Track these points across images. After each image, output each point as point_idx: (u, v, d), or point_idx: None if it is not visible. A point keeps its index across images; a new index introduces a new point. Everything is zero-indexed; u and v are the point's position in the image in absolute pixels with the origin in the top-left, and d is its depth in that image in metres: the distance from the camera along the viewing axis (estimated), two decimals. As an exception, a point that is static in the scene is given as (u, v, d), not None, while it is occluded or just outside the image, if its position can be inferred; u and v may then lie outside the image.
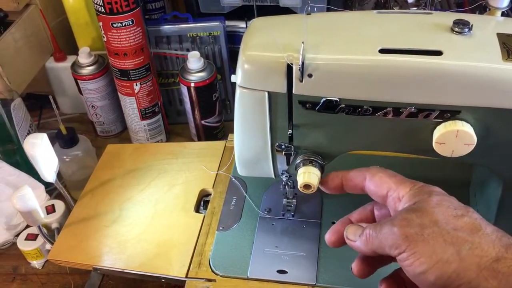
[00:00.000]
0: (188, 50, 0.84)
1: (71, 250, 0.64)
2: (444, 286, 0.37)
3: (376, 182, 0.45)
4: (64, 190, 0.68)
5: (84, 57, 0.83)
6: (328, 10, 0.85)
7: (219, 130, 0.87)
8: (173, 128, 0.93)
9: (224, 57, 0.86)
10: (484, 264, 0.36)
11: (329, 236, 0.47)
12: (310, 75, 0.46)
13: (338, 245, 0.47)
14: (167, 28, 0.83)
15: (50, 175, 0.63)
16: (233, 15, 0.88)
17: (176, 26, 0.83)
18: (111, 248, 0.63)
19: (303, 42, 0.45)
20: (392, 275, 0.45)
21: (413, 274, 0.38)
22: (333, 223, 0.64)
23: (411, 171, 0.68)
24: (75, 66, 0.85)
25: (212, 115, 0.85)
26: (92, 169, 0.75)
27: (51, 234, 0.70)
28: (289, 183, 0.62)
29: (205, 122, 0.85)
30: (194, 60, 0.79)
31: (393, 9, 0.91)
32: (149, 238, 0.64)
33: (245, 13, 0.86)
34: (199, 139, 0.87)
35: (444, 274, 0.36)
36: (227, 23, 0.85)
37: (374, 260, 0.45)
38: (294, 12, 0.84)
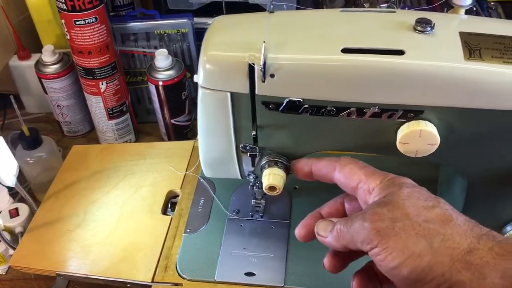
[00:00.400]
0: (156, 48, 0.82)
1: (34, 255, 0.62)
2: (417, 280, 0.36)
3: (346, 174, 0.45)
4: (26, 193, 0.66)
5: (48, 55, 0.81)
6: (298, 7, 0.85)
7: (189, 129, 0.86)
8: (143, 127, 0.91)
9: (193, 54, 0.85)
10: (456, 256, 0.35)
11: (299, 231, 0.46)
12: (272, 75, 0.45)
13: (308, 240, 0.46)
14: (133, 25, 0.81)
15: (9, 179, 0.61)
16: (201, 12, 0.86)
17: (143, 23, 0.81)
18: (75, 253, 0.62)
19: (264, 42, 0.44)
20: (365, 268, 0.44)
21: (386, 269, 0.37)
22: (303, 222, 0.63)
23: (380, 168, 0.69)
24: (39, 64, 0.82)
25: (182, 114, 0.83)
26: (58, 171, 0.73)
27: (15, 239, 0.68)
28: (257, 184, 0.61)
29: (174, 121, 0.83)
30: (162, 58, 0.77)
31: (364, 5, 0.91)
32: (114, 242, 0.62)
33: (214, 10, 0.85)
34: (169, 139, 0.86)
35: (417, 267, 0.36)
36: (196, 20, 0.83)
37: (346, 255, 0.44)
38: (264, 9, 0.83)
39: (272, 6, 0.49)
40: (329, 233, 0.42)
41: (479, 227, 0.37)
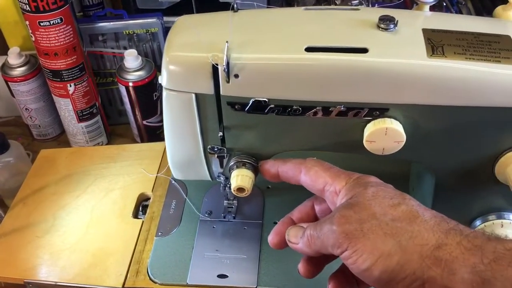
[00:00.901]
0: (125, 48, 0.81)
1: (1, 263, 0.61)
2: (389, 280, 0.36)
3: (312, 177, 0.44)
4: (-8, 200, 0.64)
5: (14, 57, 0.79)
6: (269, 6, 0.84)
7: (162, 130, 0.84)
8: (115, 129, 0.89)
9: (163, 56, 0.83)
10: (425, 253, 0.35)
11: (271, 239, 0.46)
12: (236, 76, 0.44)
13: (281, 247, 0.46)
14: (101, 25, 0.80)
15: (-27, 187, 0.59)
16: (171, 11, 0.85)
17: (111, 23, 0.80)
18: (44, 260, 0.60)
19: (227, 42, 0.43)
20: (340, 270, 0.44)
21: (358, 271, 0.37)
22: (275, 223, 0.63)
23: (349, 166, 0.69)
24: (4, 67, 0.80)
25: (154, 115, 0.82)
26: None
27: (-17, 247, 0.67)
28: (228, 185, 0.60)
29: (146, 122, 0.82)
30: (131, 59, 0.76)
31: (335, 2, 0.91)
32: (84, 247, 0.61)
33: (184, 8, 0.84)
34: (142, 140, 0.84)
35: (387, 268, 0.36)
36: (166, 19, 0.82)
37: (319, 259, 0.44)
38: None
39: (236, 5, 0.48)
40: (300, 240, 0.42)
41: (446, 221, 0.37)
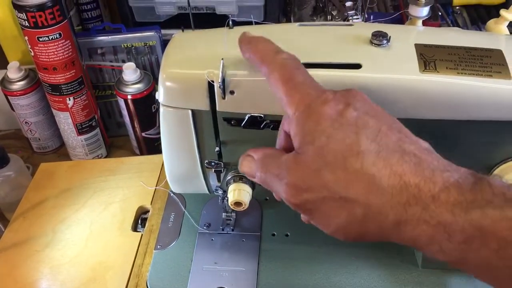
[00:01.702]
0: (123, 61, 0.82)
1: (1, 278, 0.61)
2: (362, 235, 0.35)
3: (271, 86, 0.38)
4: (-8, 215, 0.65)
5: (13, 72, 0.80)
6: (265, 19, 0.85)
7: (161, 142, 0.85)
8: (114, 141, 0.90)
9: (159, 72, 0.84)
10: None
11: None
12: (232, 92, 0.45)
13: None
14: (100, 39, 0.80)
15: (-27, 202, 0.59)
16: (169, 24, 0.86)
17: (110, 37, 0.80)
18: (44, 274, 0.61)
19: (222, 59, 0.44)
20: None
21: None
22: (273, 235, 0.64)
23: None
24: (4, 81, 0.81)
25: (153, 127, 0.83)
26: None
27: (-17, 261, 0.67)
28: (226, 198, 0.61)
29: (145, 134, 0.83)
30: (130, 72, 0.77)
31: (332, 13, 0.92)
32: (84, 261, 0.62)
33: (181, 22, 0.84)
34: (141, 152, 0.85)
35: (352, 230, 0.35)
36: (163, 31, 0.83)
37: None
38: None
39: (231, 22, 0.49)
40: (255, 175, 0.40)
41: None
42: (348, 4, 0.92)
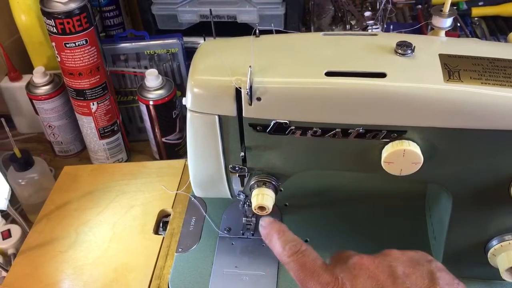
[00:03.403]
0: (146, 68, 0.83)
1: (26, 278, 0.62)
2: None
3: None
4: (18, 215, 0.66)
5: (38, 76, 0.82)
6: (285, 27, 0.86)
7: (181, 147, 0.87)
8: (135, 145, 0.91)
9: (183, 73, 0.86)
10: None
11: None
12: (259, 99, 0.46)
13: None
14: (123, 46, 0.82)
15: (0, 202, 0.61)
16: (191, 32, 0.87)
17: (133, 44, 0.82)
18: (67, 274, 0.62)
19: (250, 66, 0.45)
20: None
21: None
22: (293, 240, 0.64)
23: (367, 187, 0.70)
24: (30, 86, 0.83)
25: (173, 133, 0.84)
26: (50, 191, 0.74)
27: (7, 260, 0.68)
28: (247, 202, 0.62)
29: (165, 139, 0.84)
30: (152, 78, 0.78)
31: (350, 22, 0.93)
32: (106, 262, 0.63)
33: (203, 29, 0.86)
34: (161, 157, 0.86)
35: None
36: (185, 39, 0.85)
37: None
38: (252, 28, 0.85)
39: (258, 31, 0.50)
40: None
41: None
42: (367, 14, 0.94)
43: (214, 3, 0.85)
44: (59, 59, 0.75)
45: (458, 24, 0.92)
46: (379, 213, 0.67)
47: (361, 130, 0.46)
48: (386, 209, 0.67)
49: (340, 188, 0.70)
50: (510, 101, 0.43)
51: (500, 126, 0.44)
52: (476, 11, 0.94)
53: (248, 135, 0.49)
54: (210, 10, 0.72)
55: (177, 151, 0.86)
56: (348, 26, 0.90)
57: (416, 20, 0.96)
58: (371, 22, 0.92)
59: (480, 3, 0.95)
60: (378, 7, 0.92)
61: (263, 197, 0.51)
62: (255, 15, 0.83)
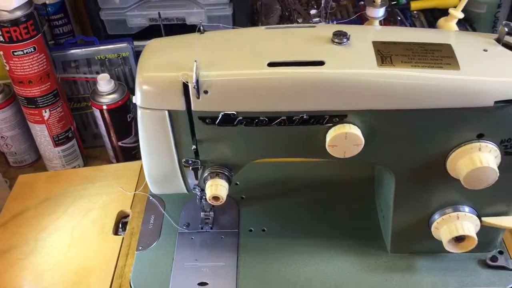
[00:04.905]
0: (98, 73, 0.84)
1: (-15, 288, 0.62)
2: None
3: None
4: (-27, 227, 0.66)
5: (-13, 87, 0.81)
6: (234, 27, 0.88)
7: (137, 150, 0.86)
8: (91, 152, 0.91)
9: (136, 77, 0.86)
10: None
11: None
12: (206, 92, 0.48)
13: None
14: (73, 52, 0.82)
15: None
16: (141, 35, 0.88)
17: (83, 49, 0.82)
18: (28, 281, 0.62)
19: (196, 61, 0.47)
20: None
21: None
22: (251, 231, 0.66)
23: (317, 174, 0.73)
24: (-21, 97, 0.82)
25: (128, 136, 0.85)
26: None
27: (-36, 274, 0.67)
28: (204, 197, 0.63)
29: (122, 143, 0.85)
30: (104, 83, 0.79)
31: (297, 21, 0.96)
32: (67, 266, 0.63)
33: (153, 33, 0.87)
34: (118, 161, 0.87)
35: None
36: (136, 43, 0.85)
37: None
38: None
39: (202, 28, 0.52)
40: None
41: None
42: (313, 12, 0.97)
43: (163, 6, 0.86)
44: (7, 68, 0.74)
45: (399, 18, 0.97)
46: (332, 200, 0.70)
47: (305, 117, 0.49)
48: (338, 196, 0.70)
49: (294, 178, 0.73)
50: (438, 81, 0.47)
51: (431, 105, 0.48)
52: (415, 5, 0.99)
53: (199, 128, 0.51)
54: (159, 13, 0.73)
55: (134, 154, 0.87)
56: (294, 24, 0.94)
57: (360, 17, 1.01)
58: (317, 19, 0.95)
59: (419, -3, 1.00)
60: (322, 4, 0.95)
61: (217, 188, 0.53)
62: (203, 16, 0.85)
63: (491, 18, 0.97)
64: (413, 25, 0.98)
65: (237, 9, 0.87)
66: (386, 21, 0.93)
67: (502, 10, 0.96)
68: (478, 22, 0.96)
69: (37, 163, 0.90)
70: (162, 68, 0.49)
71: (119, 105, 0.80)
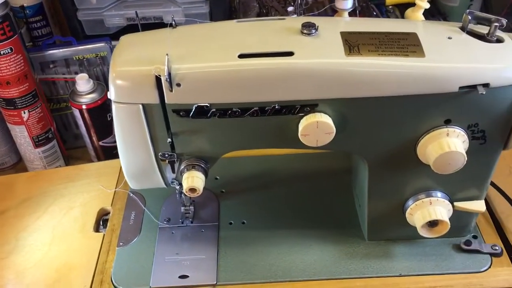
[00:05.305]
0: (76, 73, 0.84)
1: (-34, 288, 0.62)
2: None
3: None
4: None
5: (-35, 90, 0.81)
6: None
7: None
8: (73, 152, 0.91)
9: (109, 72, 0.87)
10: None
11: None
12: (178, 84, 0.49)
13: None
14: (51, 53, 0.83)
15: None
16: (119, 35, 0.88)
17: (61, 50, 0.83)
18: (9, 279, 0.62)
19: (167, 54, 0.47)
20: None
21: None
22: (231, 223, 0.67)
23: (294, 166, 0.74)
24: (-43, 100, 0.81)
25: (109, 136, 0.85)
26: (-15, 204, 0.73)
27: None
28: (183, 191, 0.64)
29: (103, 143, 0.85)
30: (83, 82, 0.79)
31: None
32: (48, 264, 0.63)
33: (131, 32, 0.87)
34: (99, 161, 0.87)
35: None
36: (114, 43, 0.86)
37: None
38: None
39: (174, 22, 0.53)
40: None
41: None
42: (290, 9, 0.99)
43: (140, 5, 0.87)
44: (-16, 70, 0.74)
45: (374, 13, 0.98)
46: (310, 192, 0.71)
47: (277, 107, 0.50)
48: (316, 187, 0.71)
49: (272, 171, 0.74)
50: (404, 69, 0.48)
51: (399, 92, 0.49)
52: (390, 0, 1.01)
53: (173, 121, 0.52)
54: (136, 12, 0.73)
55: (115, 153, 0.86)
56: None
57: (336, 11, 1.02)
58: (294, 15, 0.97)
59: (393, -8, 1.02)
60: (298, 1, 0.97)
61: (193, 180, 0.54)
62: (180, 14, 0.85)
63: (464, 11, 0.99)
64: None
65: (214, 7, 0.88)
66: (362, 15, 0.95)
67: (474, 3, 0.98)
68: (452, 15, 0.98)
69: (18, 165, 0.90)
70: (135, 62, 0.50)
71: (99, 104, 0.80)
